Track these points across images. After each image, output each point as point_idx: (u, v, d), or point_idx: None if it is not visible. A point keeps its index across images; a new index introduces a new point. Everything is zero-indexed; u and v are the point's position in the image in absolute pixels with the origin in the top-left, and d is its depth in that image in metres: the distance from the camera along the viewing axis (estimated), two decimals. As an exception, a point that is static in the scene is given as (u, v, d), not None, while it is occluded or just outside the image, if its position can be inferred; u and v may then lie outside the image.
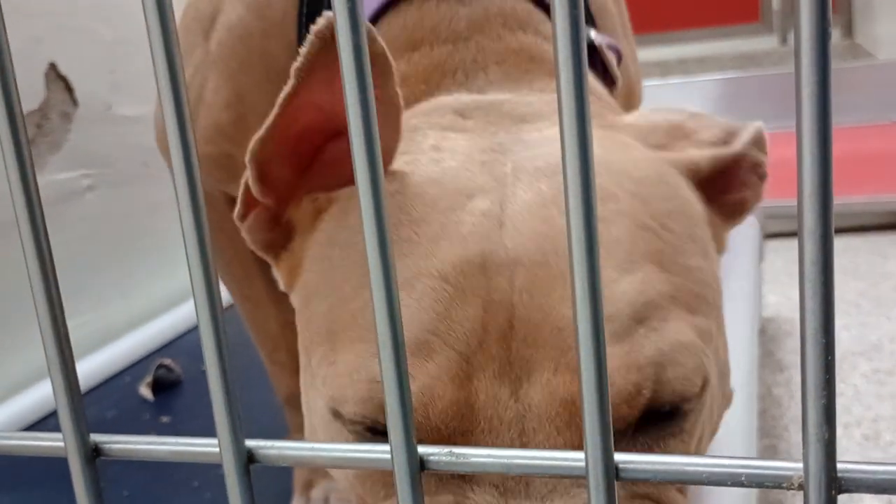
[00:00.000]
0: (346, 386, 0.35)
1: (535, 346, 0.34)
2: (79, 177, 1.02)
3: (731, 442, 0.65)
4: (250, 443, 0.27)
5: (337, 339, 0.37)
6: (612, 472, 0.23)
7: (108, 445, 0.28)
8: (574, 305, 0.22)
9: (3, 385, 0.92)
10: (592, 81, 0.50)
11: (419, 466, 0.25)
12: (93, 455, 0.28)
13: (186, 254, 0.25)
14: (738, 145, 0.44)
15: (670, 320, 0.34)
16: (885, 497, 0.81)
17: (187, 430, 0.79)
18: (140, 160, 1.11)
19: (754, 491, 0.63)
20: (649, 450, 0.36)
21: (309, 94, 0.36)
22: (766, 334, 1.24)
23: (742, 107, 2.30)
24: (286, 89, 0.36)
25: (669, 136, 0.45)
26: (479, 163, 0.38)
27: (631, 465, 0.23)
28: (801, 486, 0.22)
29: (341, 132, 0.39)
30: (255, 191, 0.40)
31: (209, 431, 0.26)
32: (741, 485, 0.23)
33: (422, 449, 0.25)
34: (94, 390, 0.92)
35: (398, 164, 0.38)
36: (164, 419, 0.83)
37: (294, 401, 0.64)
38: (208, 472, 0.70)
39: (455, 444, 0.34)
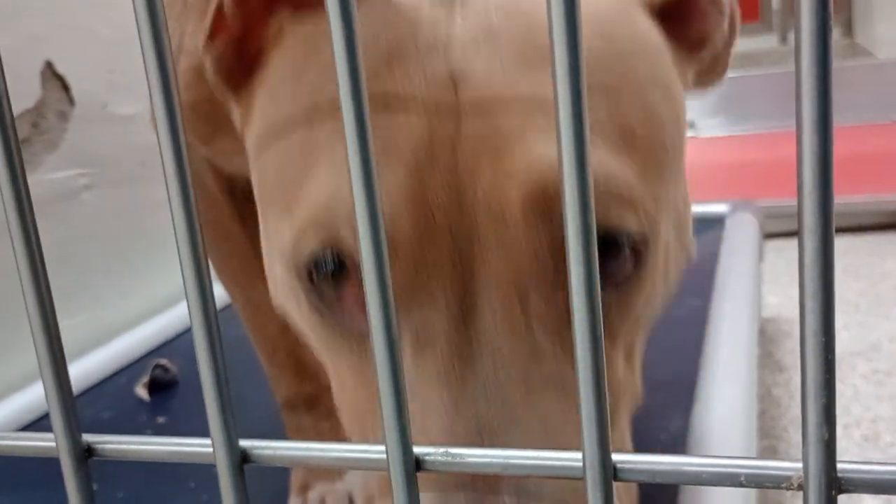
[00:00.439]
0: (303, 221, 0.35)
1: (482, 154, 0.34)
2: (75, 176, 1.01)
3: (730, 442, 0.65)
4: (244, 443, 0.26)
5: (288, 189, 0.37)
6: (610, 473, 0.23)
7: (100, 445, 0.28)
8: (573, 324, 0.22)
9: (0, 385, 0.91)
10: None
11: (415, 467, 0.25)
12: (85, 455, 0.28)
13: (179, 254, 0.25)
14: None
15: (598, 149, 0.35)
16: (884, 497, 0.81)
17: (184, 431, 0.79)
18: (137, 159, 1.11)
19: (753, 490, 0.63)
20: (606, 300, 0.37)
21: None
22: (766, 335, 1.24)
23: (742, 106, 2.30)
24: None
25: None
26: None
27: (628, 465, 0.23)
28: (800, 487, 0.22)
29: None
30: (226, 5, 0.40)
31: (206, 432, 0.26)
32: (740, 485, 0.23)
33: (417, 449, 0.25)
34: (90, 390, 0.91)
35: None
36: (161, 420, 0.83)
37: (292, 403, 0.64)
38: (205, 472, 0.70)
39: (421, 262, 0.34)
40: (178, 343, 1.02)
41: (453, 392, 0.33)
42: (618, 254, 0.36)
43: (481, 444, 0.32)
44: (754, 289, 0.98)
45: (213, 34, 0.42)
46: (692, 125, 2.34)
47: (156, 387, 0.90)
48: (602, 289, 0.35)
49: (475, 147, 0.34)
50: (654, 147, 0.38)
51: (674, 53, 0.43)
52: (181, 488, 0.69)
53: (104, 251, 1.06)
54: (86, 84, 1.03)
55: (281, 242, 0.38)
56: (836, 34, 2.87)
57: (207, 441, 0.26)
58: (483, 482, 0.32)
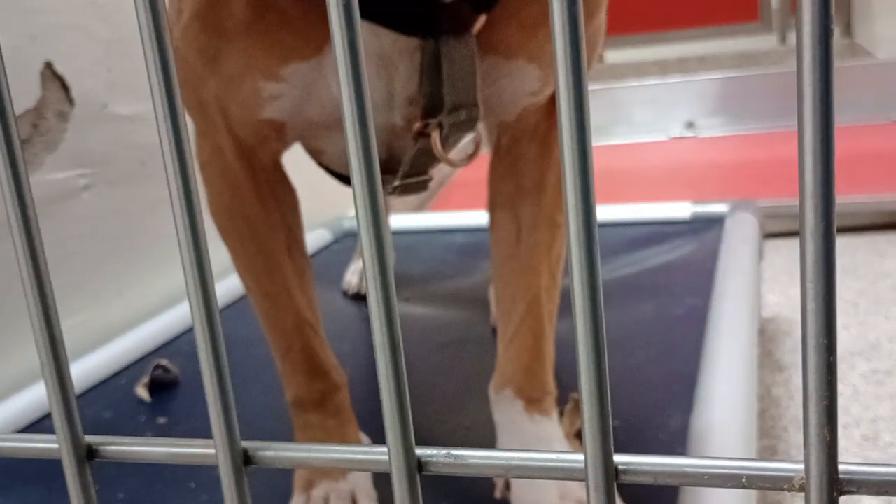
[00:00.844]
0: None
1: None
2: (75, 176, 1.01)
3: (730, 442, 0.65)
4: (246, 444, 0.26)
5: None
6: (612, 474, 0.23)
7: (102, 447, 0.28)
8: (575, 326, 0.22)
9: (1, 384, 0.91)
10: None
11: (417, 468, 0.25)
12: (87, 457, 0.28)
13: (181, 253, 0.25)
14: None
15: None
16: (885, 498, 0.81)
17: (184, 431, 0.79)
18: (137, 159, 1.11)
19: (754, 491, 0.63)
20: None
21: None
22: (766, 334, 1.24)
23: (741, 106, 2.30)
24: None
25: None
26: None
27: (631, 467, 0.23)
28: (802, 488, 0.22)
29: None
30: None
31: (207, 432, 0.26)
32: (742, 486, 0.23)
33: (419, 451, 0.25)
34: (90, 391, 0.91)
35: None
36: (161, 420, 0.83)
37: (301, 400, 0.64)
38: (205, 473, 0.70)
39: None
40: (178, 343, 1.02)
41: None
42: None
43: None
44: (754, 288, 0.98)
45: None
46: (692, 125, 2.34)
47: (156, 387, 0.90)
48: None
49: None
50: None
51: None
52: (181, 489, 0.69)
53: (104, 251, 1.06)
54: (85, 84, 1.03)
55: None
56: (835, 34, 2.87)
57: (209, 443, 0.26)
58: None
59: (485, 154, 0.61)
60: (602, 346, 0.22)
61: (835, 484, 0.21)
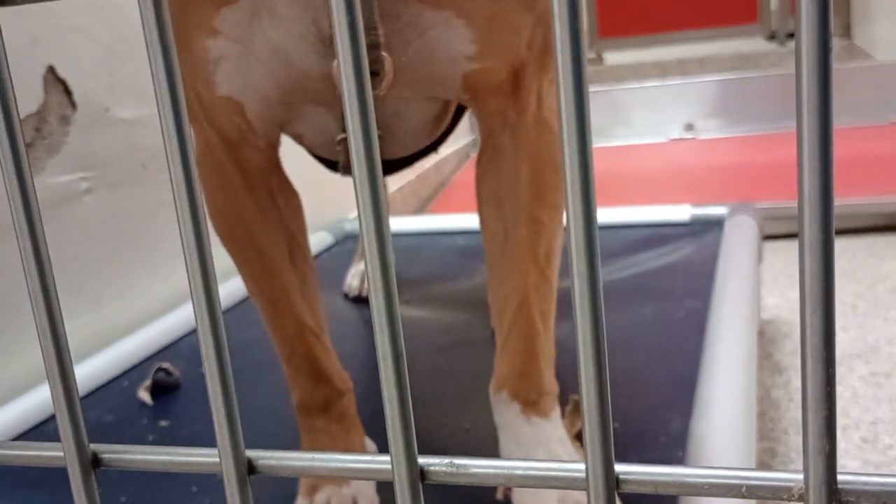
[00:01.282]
0: None
1: None
2: (77, 179, 1.02)
3: (729, 444, 0.65)
4: (250, 453, 0.27)
5: None
6: (613, 483, 0.23)
7: (107, 455, 0.28)
8: (576, 332, 0.22)
9: (3, 388, 0.91)
10: None
11: (420, 477, 0.25)
12: (92, 465, 0.28)
13: (185, 256, 0.25)
14: None
15: None
16: None
17: (186, 435, 0.79)
18: (138, 162, 1.11)
19: (754, 501, 0.63)
20: None
21: None
22: (765, 336, 1.24)
23: (740, 107, 2.30)
24: None
25: None
26: None
27: (632, 476, 0.23)
28: (801, 498, 0.22)
29: None
30: None
31: (208, 436, 0.26)
32: (741, 496, 0.23)
33: (422, 460, 0.25)
34: (92, 394, 0.91)
35: None
36: (163, 423, 0.83)
37: (306, 405, 0.64)
38: (207, 478, 0.70)
39: None
40: (180, 346, 1.03)
41: None
42: None
43: None
44: (753, 291, 0.98)
45: None
46: (691, 127, 2.34)
47: (158, 390, 0.90)
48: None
49: None
50: None
51: None
52: (184, 493, 0.69)
53: (106, 254, 1.06)
54: (87, 88, 1.03)
55: None
56: (834, 36, 2.87)
57: (214, 451, 0.27)
58: None
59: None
60: (603, 354, 0.22)
61: (834, 494, 0.22)
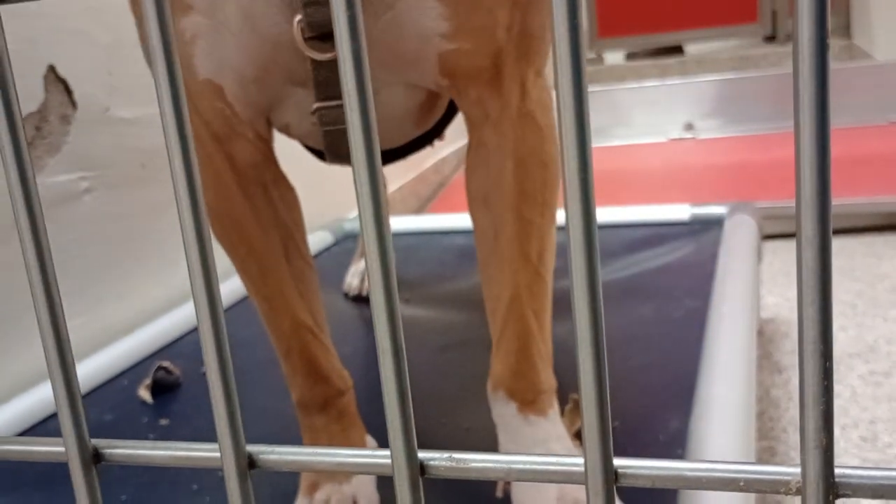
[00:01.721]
0: None
1: None
2: (77, 179, 1.02)
3: (729, 443, 0.65)
4: (251, 448, 0.27)
5: None
6: (611, 477, 0.24)
7: (108, 451, 0.28)
8: (575, 329, 0.22)
9: (4, 386, 0.92)
10: None
11: (419, 471, 0.25)
12: (93, 460, 0.28)
13: (187, 256, 0.25)
14: None
15: None
16: (883, 501, 0.81)
17: (186, 433, 0.79)
18: (138, 162, 1.11)
19: (753, 495, 0.63)
20: None
21: None
22: (765, 335, 1.24)
23: (740, 107, 2.30)
24: None
25: None
26: None
27: (630, 470, 0.24)
28: (798, 491, 0.22)
29: None
30: None
31: (208, 434, 0.26)
32: (739, 489, 0.23)
33: (422, 454, 0.25)
34: (92, 393, 0.92)
35: None
36: (163, 422, 0.83)
37: (305, 404, 0.64)
38: (208, 475, 0.70)
39: None
40: (180, 345, 1.03)
41: None
42: None
43: None
44: (752, 290, 0.98)
45: None
46: (691, 127, 2.34)
47: (158, 389, 0.90)
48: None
49: None
50: None
51: None
52: (184, 491, 0.69)
53: (106, 253, 1.06)
54: (87, 88, 1.03)
55: None
56: (834, 36, 2.87)
57: (215, 446, 0.27)
58: None
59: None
60: (602, 350, 0.23)
61: (831, 488, 0.22)
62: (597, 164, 2.10)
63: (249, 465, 0.27)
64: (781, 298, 1.38)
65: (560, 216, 0.67)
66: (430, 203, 2.13)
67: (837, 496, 0.22)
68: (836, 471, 0.22)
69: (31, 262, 0.27)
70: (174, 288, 1.17)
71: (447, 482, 0.65)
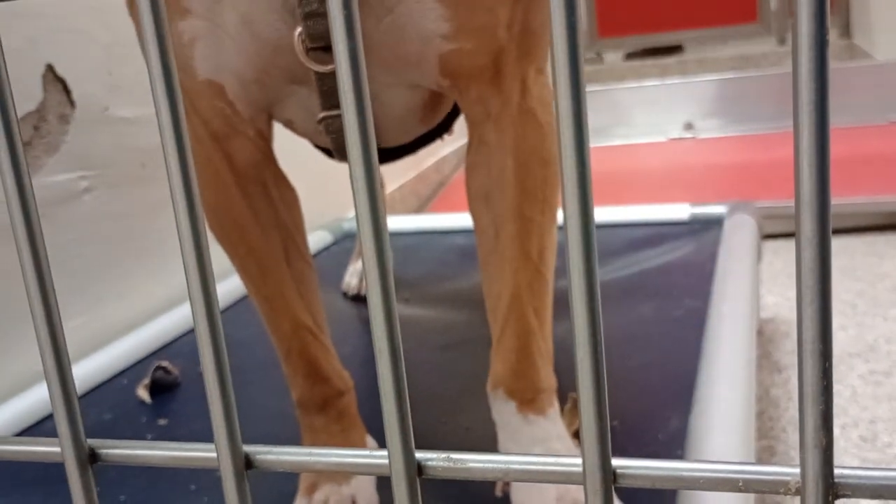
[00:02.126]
0: None
1: None
2: (76, 178, 1.02)
3: (728, 443, 0.65)
4: (248, 448, 0.27)
5: None
6: (610, 477, 0.23)
7: (104, 451, 0.28)
8: (573, 328, 0.22)
9: (2, 387, 0.91)
10: None
11: (417, 472, 0.25)
12: (89, 460, 0.28)
13: (183, 256, 0.25)
14: None
15: None
16: (885, 502, 0.81)
17: (185, 433, 0.79)
18: (137, 161, 1.11)
19: (752, 495, 0.63)
20: None
21: None
22: (764, 335, 1.24)
23: (740, 107, 2.30)
24: None
25: None
26: None
27: (628, 471, 0.23)
28: (798, 491, 0.22)
29: None
30: None
31: (207, 434, 0.26)
32: (738, 490, 0.23)
33: (419, 454, 0.25)
34: (90, 393, 0.91)
35: None
36: (162, 422, 0.83)
37: (305, 404, 0.64)
38: (206, 475, 0.70)
39: None
40: (179, 345, 1.03)
41: None
42: None
43: None
44: (752, 290, 0.98)
45: None
46: (691, 127, 2.34)
47: (157, 389, 0.90)
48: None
49: None
50: None
51: None
52: (182, 492, 0.69)
53: (105, 253, 1.06)
54: (86, 87, 1.03)
55: None
56: (833, 35, 2.88)
57: (211, 446, 0.27)
58: None
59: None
60: (600, 349, 0.22)
61: (830, 488, 0.22)
62: (597, 163, 2.10)
63: (246, 465, 0.26)
64: (781, 298, 1.38)
65: (560, 215, 0.67)
66: (431, 202, 2.13)
67: (837, 496, 0.22)
68: (836, 471, 0.22)
69: (26, 263, 0.27)
70: (173, 287, 1.17)
71: (446, 482, 0.65)
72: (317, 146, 0.78)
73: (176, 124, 0.24)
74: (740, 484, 0.23)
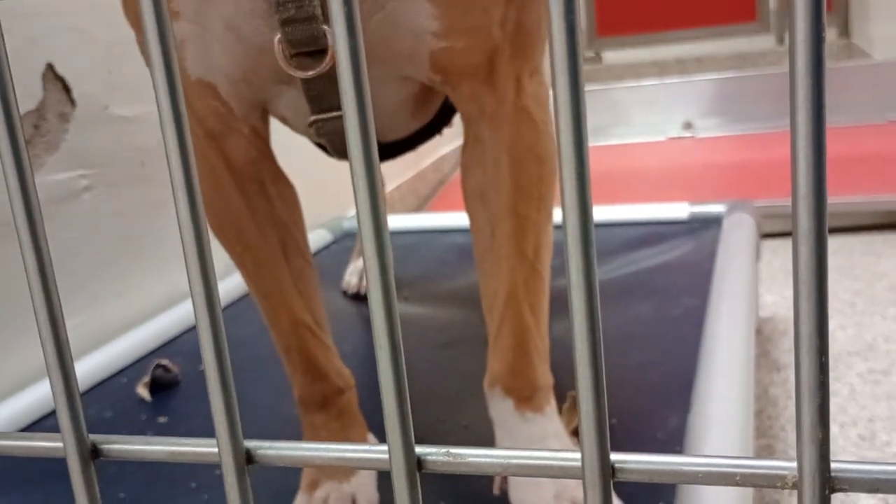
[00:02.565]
0: None
1: None
2: (76, 177, 1.02)
3: (727, 441, 0.65)
4: (249, 443, 0.27)
5: None
6: (608, 472, 0.24)
7: (106, 446, 0.28)
8: (572, 327, 0.22)
9: (5, 384, 0.92)
10: None
11: (417, 466, 0.25)
12: (91, 456, 0.28)
13: (185, 253, 0.25)
14: None
15: None
16: (882, 497, 0.81)
17: (185, 431, 0.79)
18: (137, 160, 1.11)
19: (750, 489, 0.63)
20: None
21: None
22: (763, 334, 1.25)
23: (739, 106, 2.30)
24: None
25: None
26: None
27: (627, 465, 0.24)
28: (795, 486, 0.22)
29: None
30: None
31: (207, 432, 0.26)
32: (736, 484, 0.23)
33: (419, 449, 0.25)
34: (91, 390, 0.92)
35: None
36: (162, 419, 0.83)
37: (305, 401, 0.64)
38: (206, 473, 0.70)
39: None
40: (179, 343, 1.03)
41: None
42: None
43: None
44: (751, 288, 0.99)
45: None
46: (690, 126, 2.35)
47: (157, 387, 0.90)
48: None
49: None
50: None
51: None
52: (182, 488, 0.69)
53: (105, 251, 1.06)
54: (86, 86, 1.03)
55: None
56: (832, 34, 2.88)
57: (212, 441, 0.27)
58: None
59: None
60: (598, 344, 0.23)
61: (827, 482, 0.22)
62: (596, 163, 2.10)
63: (247, 460, 0.27)
64: (780, 297, 1.38)
65: (558, 214, 0.67)
66: (430, 201, 2.13)
67: (833, 490, 0.22)
68: (832, 465, 0.22)
69: (29, 260, 0.27)
70: (173, 286, 1.17)
71: (445, 480, 0.65)
72: (316, 143, 0.78)
73: (177, 119, 0.24)
74: (738, 478, 0.23)
